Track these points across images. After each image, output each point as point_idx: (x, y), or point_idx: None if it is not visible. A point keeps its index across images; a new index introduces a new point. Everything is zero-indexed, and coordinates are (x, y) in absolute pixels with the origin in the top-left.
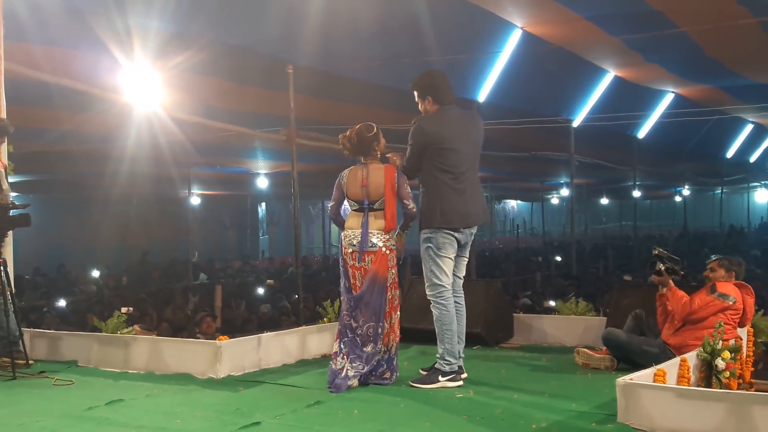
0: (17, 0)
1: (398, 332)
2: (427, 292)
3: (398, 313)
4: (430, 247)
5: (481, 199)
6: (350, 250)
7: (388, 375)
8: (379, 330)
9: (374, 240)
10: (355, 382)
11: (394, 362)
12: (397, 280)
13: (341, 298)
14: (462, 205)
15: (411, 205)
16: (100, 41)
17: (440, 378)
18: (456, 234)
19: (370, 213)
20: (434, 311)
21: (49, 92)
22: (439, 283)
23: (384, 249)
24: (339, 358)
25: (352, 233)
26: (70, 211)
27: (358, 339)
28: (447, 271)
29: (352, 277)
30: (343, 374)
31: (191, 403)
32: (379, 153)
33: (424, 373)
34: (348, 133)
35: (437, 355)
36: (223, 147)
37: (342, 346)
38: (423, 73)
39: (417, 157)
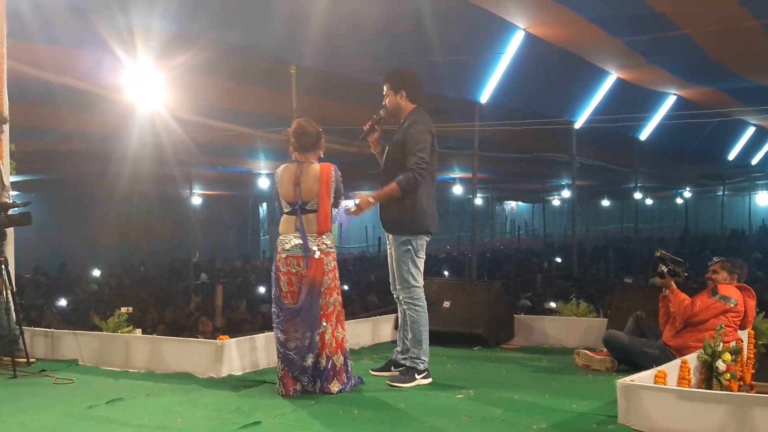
0: None
1: (342, 340)
2: (402, 295)
3: (342, 318)
4: (409, 249)
5: None
6: (284, 256)
7: (331, 386)
8: (316, 338)
9: (307, 244)
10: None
11: (342, 371)
12: (335, 285)
13: (272, 309)
14: (434, 210)
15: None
16: (102, 41)
17: (416, 376)
18: (429, 238)
19: (302, 215)
20: (411, 314)
21: (52, 91)
22: (416, 285)
23: (318, 253)
24: (283, 384)
25: (285, 238)
26: (72, 211)
27: (291, 353)
28: (422, 273)
29: (287, 284)
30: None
31: (192, 403)
32: (321, 153)
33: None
34: (296, 125)
35: (411, 355)
36: (225, 147)
37: (281, 363)
38: (402, 68)
39: (429, 157)
